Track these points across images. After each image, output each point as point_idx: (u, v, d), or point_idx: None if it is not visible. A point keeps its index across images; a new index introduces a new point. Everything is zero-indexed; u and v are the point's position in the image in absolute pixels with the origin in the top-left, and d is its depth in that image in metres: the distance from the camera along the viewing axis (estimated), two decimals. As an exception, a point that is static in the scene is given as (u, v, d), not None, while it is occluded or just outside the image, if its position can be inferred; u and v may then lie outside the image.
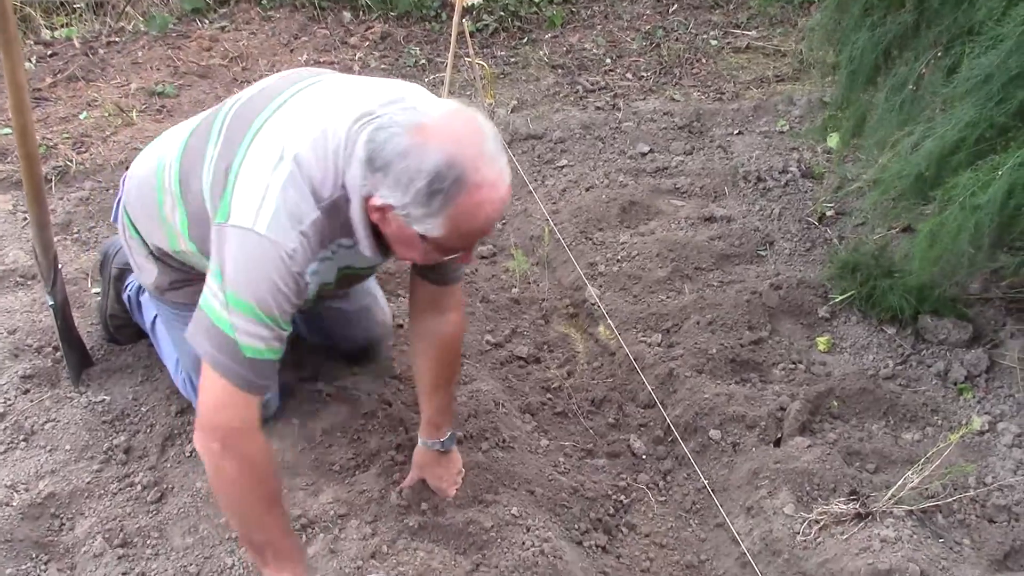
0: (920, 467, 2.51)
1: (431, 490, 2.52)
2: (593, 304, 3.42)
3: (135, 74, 5.18)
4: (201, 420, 1.91)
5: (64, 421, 2.72)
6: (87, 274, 3.55)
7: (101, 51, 5.39)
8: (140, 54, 5.38)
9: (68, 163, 4.29)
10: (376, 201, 1.81)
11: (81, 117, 4.73)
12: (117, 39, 5.54)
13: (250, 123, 1.99)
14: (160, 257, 2.45)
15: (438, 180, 1.71)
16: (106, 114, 4.73)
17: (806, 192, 4.12)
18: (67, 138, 4.52)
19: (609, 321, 3.26)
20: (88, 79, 5.08)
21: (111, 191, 4.16)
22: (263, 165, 1.88)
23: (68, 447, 2.65)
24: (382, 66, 5.49)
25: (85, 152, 4.45)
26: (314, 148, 1.87)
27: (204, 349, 1.88)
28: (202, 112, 2.36)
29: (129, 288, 2.90)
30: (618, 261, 3.67)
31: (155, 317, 2.78)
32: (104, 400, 2.81)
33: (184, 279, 2.46)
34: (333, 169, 1.87)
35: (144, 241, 2.47)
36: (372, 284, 2.88)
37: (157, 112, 4.87)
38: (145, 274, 2.54)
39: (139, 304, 2.87)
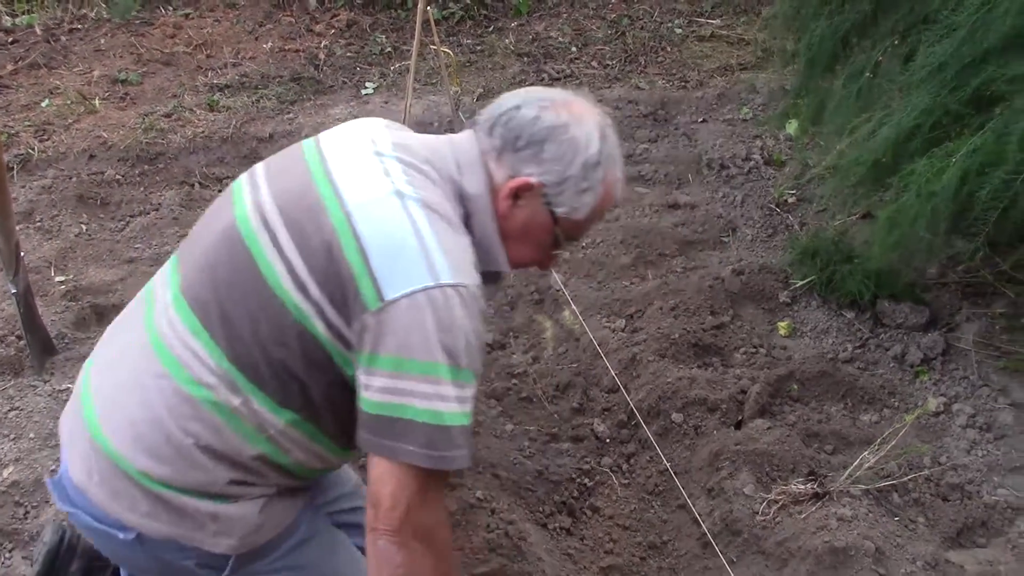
0: (876, 447, 2.56)
1: None
2: (558, 291, 3.45)
3: (98, 61, 5.15)
4: (398, 521, 1.50)
5: (28, 409, 2.72)
6: (50, 262, 3.54)
7: (63, 38, 5.35)
8: (103, 41, 5.35)
9: (30, 151, 4.26)
10: (518, 182, 1.64)
11: (43, 105, 4.70)
12: (79, 26, 5.50)
13: (308, 190, 1.59)
14: (251, 481, 1.65)
15: (599, 153, 1.65)
16: (68, 102, 4.70)
17: (768, 179, 4.17)
18: (29, 126, 4.49)
19: (574, 307, 3.29)
20: (50, 66, 5.05)
21: (74, 179, 4.15)
22: (387, 215, 1.52)
23: (32, 435, 2.64)
24: (348, 54, 5.49)
25: (47, 140, 4.43)
26: (415, 176, 1.60)
27: (405, 451, 1.48)
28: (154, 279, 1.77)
29: None
30: (583, 248, 3.71)
31: None
32: (68, 388, 2.80)
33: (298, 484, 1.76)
34: (446, 184, 1.64)
35: (209, 493, 1.62)
36: None
37: (120, 100, 4.85)
38: (233, 528, 1.64)
39: None
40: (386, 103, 4.98)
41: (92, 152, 4.36)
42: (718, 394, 2.90)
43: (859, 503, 2.46)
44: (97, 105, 4.72)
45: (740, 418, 2.85)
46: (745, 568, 2.41)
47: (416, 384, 1.47)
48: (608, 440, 2.93)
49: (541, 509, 2.63)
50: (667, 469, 2.74)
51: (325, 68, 5.34)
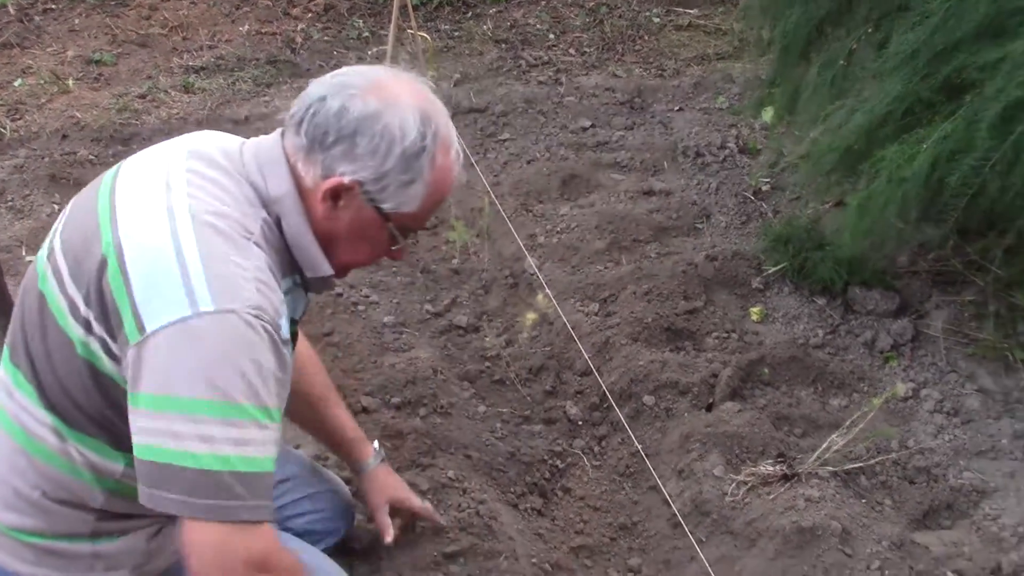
0: (845, 431, 2.59)
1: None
2: (532, 275, 3.46)
3: (72, 41, 5.11)
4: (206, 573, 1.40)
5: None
6: (21, 242, 3.51)
7: (37, 18, 5.30)
8: (77, 21, 5.31)
9: (2, 130, 4.23)
10: (331, 183, 1.48)
11: (16, 84, 4.66)
12: (54, 6, 5.45)
13: (90, 219, 1.47)
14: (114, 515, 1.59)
15: (420, 138, 1.48)
16: (41, 82, 4.66)
17: (743, 167, 4.19)
18: (1, 105, 4.45)
19: (548, 291, 3.30)
20: (23, 46, 5.00)
21: (46, 159, 4.12)
22: (155, 239, 1.38)
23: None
24: (325, 38, 5.47)
25: (20, 120, 4.39)
26: (199, 187, 1.46)
27: (168, 500, 1.35)
28: None
29: None
30: (558, 233, 3.71)
31: None
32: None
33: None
34: (245, 189, 1.51)
35: (82, 535, 1.59)
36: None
37: (94, 80, 4.81)
38: (122, 563, 1.62)
39: None
40: (363, 87, 4.96)
41: (65, 132, 4.32)
42: (690, 377, 2.92)
43: (827, 485, 2.48)
44: (71, 85, 4.68)
45: (711, 401, 2.87)
46: (714, 548, 2.42)
47: (174, 423, 1.32)
48: (580, 422, 2.94)
49: (512, 490, 2.64)
50: (638, 451, 2.76)
51: (302, 52, 5.32)
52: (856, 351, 3.12)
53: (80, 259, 1.43)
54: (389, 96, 1.48)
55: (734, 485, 2.52)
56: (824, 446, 2.55)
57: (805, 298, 3.33)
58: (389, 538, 2.10)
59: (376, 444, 2.19)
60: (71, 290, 1.43)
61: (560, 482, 2.76)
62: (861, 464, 2.60)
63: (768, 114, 3.98)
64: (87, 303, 1.40)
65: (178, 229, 1.38)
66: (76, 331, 1.42)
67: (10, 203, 3.82)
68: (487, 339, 3.25)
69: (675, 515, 2.52)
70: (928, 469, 2.65)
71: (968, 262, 3.25)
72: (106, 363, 1.41)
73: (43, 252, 1.54)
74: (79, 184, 3.94)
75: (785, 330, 3.22)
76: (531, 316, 3.32)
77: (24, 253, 3.47)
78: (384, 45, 4.91)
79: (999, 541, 2.43)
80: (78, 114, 4.44)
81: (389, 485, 2.15)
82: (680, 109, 4.78)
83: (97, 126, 4.36)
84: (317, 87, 1.50)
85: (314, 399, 2.06)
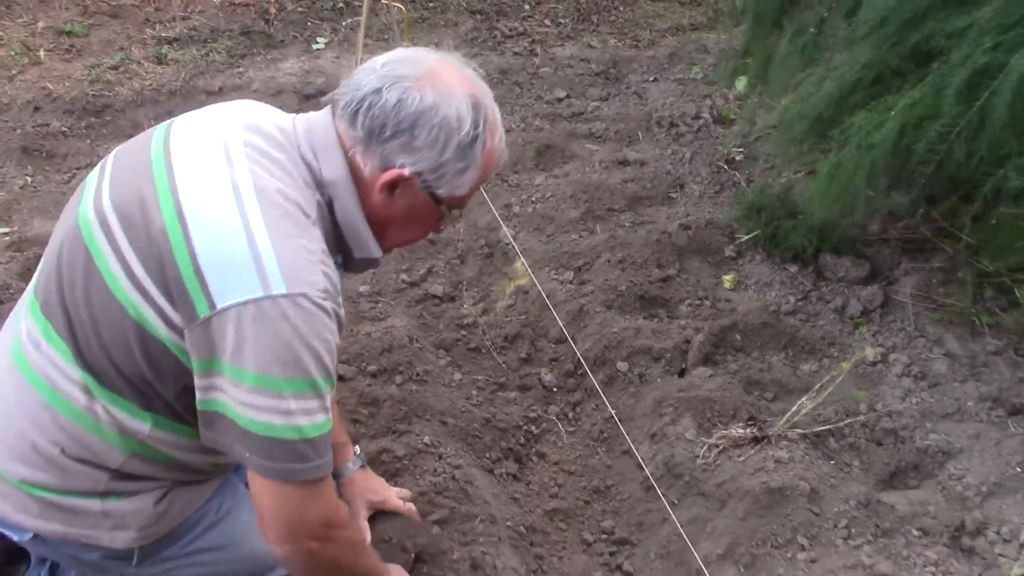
0: (815, 394, 2.63)
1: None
2: (508, 244, 3.48)
3: (42, 12, 5.06)
4: (284, 531, 1.51)
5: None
6: (-7, 213, 3.49)
7: (6, -12, 5.23)
8: (47, -8, 5.24)
9: (-28, 102, 4.18)
10: (391, 176, 1.53)
11: (-14, 56, 4.61)
12: (23, -24, 5.38)
13: (145, 183, 1.49)
14: (130, 475, 1.62)
15: (473, 127, 1.53)
16: (12, 53, 4.62)
17: (717, 137, 4.21)
18: (-29, 77, 4.40)
19: (523, 260, 3.32)
20: (-8, 17, 4.94)
21: (18, 131, 4.09)
22: (222, 215, 1.42)
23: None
24: (299, 9, 5.44)
25: (-10, 91, 4.35)
26: (261, 164, 1.50)
27: (251, 461, 1.46)
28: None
29: None
30: (533, 203, 3.73)
31: None
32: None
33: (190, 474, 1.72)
34: (301, 169, 1.55)
35: (94, 492, 1.61)
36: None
37: (66, 52, 4.77)
38: (129, 523, 1.64)
39: None
40: (337, 58, 4.94)
41: (37, 104, 4.29)
42: (663, 344, 2.95)
43: (796, 447, 2.53)
44: (42, 56, 4.64)
45: (683, 367, 2.91)
46: (686, 509, 2.47)
47: (253, 396, 1.41)
48: (555, 389, 2.97)
49: (488, 455, 2.67)
50: (612, 416, 2.79)
51: (276, 22, 5.28)
52: (827, 317, 3.16)
53: (137, 224, 1.45)
54: (442, 87, 1.52)
55: (705, 448, 2.56)
56: (793, 409, 2.60)
57: (777, 265, 3.37)
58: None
59: (357, 448, 2.22)
60: (128, 254, 1.45)
61: (535, 447, 2.80)
62: (830, 427, 2.64)
63: (741, 83, 4.01)
64: (146, 269, 1.43)
65: (245, 207, 1.43)
66: (130, 295, 1.44)
67: (-18, 175, 3.79)
68: (463, 308, 3.28)
69: (648, 478, 2.56)
70: (895, 431, 2.70)
71: (937, 229, 3.30)
72: (161, 330, 1.45)
73: (87, 206, 1.54)
74: (52, 156, 3.93)
75: (757, 297, 3.25)
76: (515, 282, 3.34)
77: (-3, 225, 3.46)
78: (358, 16, 4.89)
79: (963, 500, 2.48)
80: (50, 85, 4.40)
81: (369, 488, 2.19)
82: (655, 80, 4.79)
83: (69, 98, 4.32)
84: (370, 77, 1.53)
85: None
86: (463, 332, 3.17)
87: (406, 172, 1.54)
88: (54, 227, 1.67)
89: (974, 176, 2.60)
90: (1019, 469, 2.55)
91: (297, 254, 1.43)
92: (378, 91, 1.51)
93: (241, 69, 4.78)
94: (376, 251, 1.65)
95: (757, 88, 3.73)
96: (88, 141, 4.12)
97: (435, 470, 2.43)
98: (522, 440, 2.79)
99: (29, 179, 3.80)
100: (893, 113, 2.62)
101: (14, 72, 4.49)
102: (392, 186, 1.56)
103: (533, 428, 2.84)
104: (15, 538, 1.60)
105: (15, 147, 3.96)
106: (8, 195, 3.67)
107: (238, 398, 1.41)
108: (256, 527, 1.54)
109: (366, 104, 1.51)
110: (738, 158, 4.03)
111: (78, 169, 3.92)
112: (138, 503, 1.62)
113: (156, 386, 1.51)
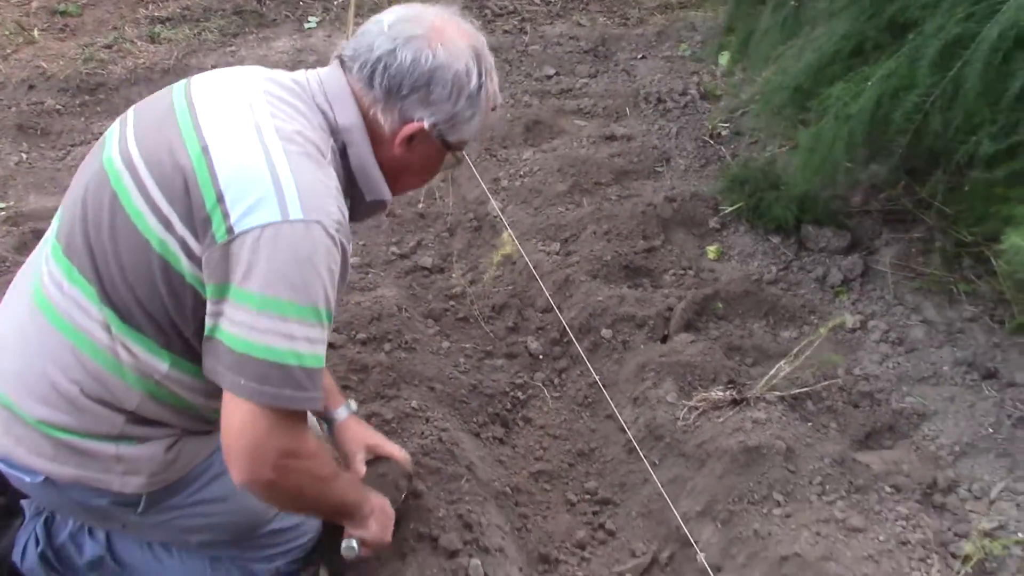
0: (793, 358, 2.69)
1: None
2: (496, 217, 3.53)
3: (36, -8, 5.09)
4: (243, 461, 1.52)
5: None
6: (-11, 190, 3.54)
7: (-1, -32, 5.26)
8: (41, -29, 5.27)
9: (-33, 80, 4.23)
10: (412, 128, 1.67)
11: (-20, 35, 4.65)
12: (16, -44, 5.41)
13: (169, 126, 1.59)
14: (148, 420, 1.69)
15: (478, 76, 1.68)
16: (6, 32, 4.66)
17: (703, 113, 4.27)
18: (-35, 56, 4.44)
19: (510, 231, 3.38)
20: (-14, -3, 4.98)
21: (13, 109, 4.13)
22: (245, 148, 1.52)
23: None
24: (291, -14, 5.47)
25: (-15, 70, 4.39)
26: (281, 109, 1.61)
27: (238, 385, 1.49)
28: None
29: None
30: (520, 176, 3.79)
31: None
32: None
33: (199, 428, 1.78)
34: (318, 116, 1.66)
35: (109, 436, 1.67)
36: None
37: (60, 31, 4.81)
38: (140, 468, 1.70)
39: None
40: (329, 36, 4.99)
41: (31, 82, 4.34)
42: (646, 311, 3.02)
43: (774, 408, 2.59)
44: (36, 36, 4.68)
45: (666, 333, 2.97)
46: (667, 470, 2.53)
47: (259, 319, 1.45)
48: (541, 356, 3.04)
49: (475, 420, 2.74)
50: (596, 382, 2.86)
51: (268, 2, 5.32)
52: (808, 286, 3.22)
53: (164, 163, 1.54)
54: (450, 43, 1.65)
55: (686, 410, 2.62)
56: (772, 372, 2.66)
57: (760, 236, 3.43)
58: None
59: (351, 403, 2.25)
60: (152, 191, 1.54)
61: (521, 412, 2.86)
62: (807, 389, 2.71)
63: (724, 58, 4.06)
64: (171, 204, 1.52)
65: (267, 143, 1.53)
66: (155, 229, 1.53)
67: (-22, 152, 3.85)
68: (452, 279, 3.34)
69: (630, 440, 2.63)
70: (872, 394, 2.77)
71: (917, 201, 3.36)
72: (183, 263, 1.52)
73: (111, 152, 1.63)
74: (47, 133, 3.98)
75: (740, 267, 3.32)
76: (503, 251, 3.40)
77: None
78: (350, -6, 4.94)
79: (936, 459, 2.55)
80: (44, 64, 4.45)
81: (363, 433, 2.21)
82: (643, 57, 4.84)
83: (63, 76, 4.38)
84: (380, 39, 1.64)
85: None
86: (451, 302, 3.23)
87: (425, 124, 1.67)
88: (50, 202, 1.75)
89: (950, 146, 2.65)
90: (991, 430, 2.61)
91: (316, 186, 1.53)
92: (392, 52, 1.62)
93: (233, 48, 4.82)
94: (387, 193, 1.78)
95: (740, 63, 3.78)
96: (82, 119, 4.17)
97: (422, 433, 2.49)
98: (508, 405, 2.85)
99: (24, 156, 3.86)
100: (870, 83, 2.68)
101: (9, 51, 4.54)
102: (411, 138, 1.69)
103: (519, 394, 2.90)
104: (26, 479, 1.65)
105: (10, 125, 4.01)
106: (4, 171, 3.72)
107: (241, 320, 1.46)
108: None
109: (382, 65, 1.63)
110: (723, 133, 4.09)
111: (72, 146, 3.97)
112: (150, 449, 1.68)
113: (177, 322, 1.58)
